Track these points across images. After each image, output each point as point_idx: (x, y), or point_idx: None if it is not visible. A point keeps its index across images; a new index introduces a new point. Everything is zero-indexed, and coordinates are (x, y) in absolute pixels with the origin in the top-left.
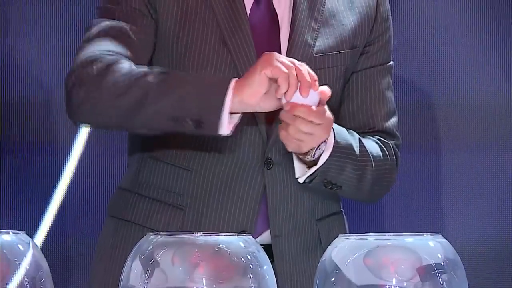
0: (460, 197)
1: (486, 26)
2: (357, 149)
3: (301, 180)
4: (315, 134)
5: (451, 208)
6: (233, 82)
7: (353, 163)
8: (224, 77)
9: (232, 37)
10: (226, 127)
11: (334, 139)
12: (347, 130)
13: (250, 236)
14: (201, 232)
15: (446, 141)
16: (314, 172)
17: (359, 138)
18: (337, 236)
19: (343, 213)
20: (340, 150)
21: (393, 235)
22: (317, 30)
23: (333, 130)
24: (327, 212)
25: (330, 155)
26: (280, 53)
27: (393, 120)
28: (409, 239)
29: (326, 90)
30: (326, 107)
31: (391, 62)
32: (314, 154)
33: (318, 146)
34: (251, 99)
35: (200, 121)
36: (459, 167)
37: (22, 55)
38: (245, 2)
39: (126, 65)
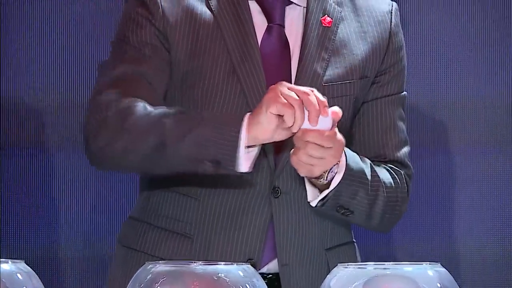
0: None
1: (491, 27)
2: (369, 175)
3: (313, 204)
4: (326, 158)
5: (460, 211)
6: (246, 119)
7: (365, 187)
8: (237, 115)
9: (242, 65)
10: (244, 165)
11: (346, 162)
12: (360, 157)
13: (249, 265)
14: (201, 261)
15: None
16: (326, 196)
17: (371, 164)
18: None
19: (355, 243)
20: (352, 173)
21: (392, 264)
22: (327, 59)
23: (345, 153)
24: (337, 242)
25: (342, 178)
26: (290, 82)
27: (405, 150)
28: (408, 268)
29: (337, 110)
30: (336, 130)
31: (404, 92)
32: (326, 177)
33: (331, 169)
34: (263, 135)
35: (218, 162)
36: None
37: (22, 55)
38: (257, 31)
39: (141, 109)
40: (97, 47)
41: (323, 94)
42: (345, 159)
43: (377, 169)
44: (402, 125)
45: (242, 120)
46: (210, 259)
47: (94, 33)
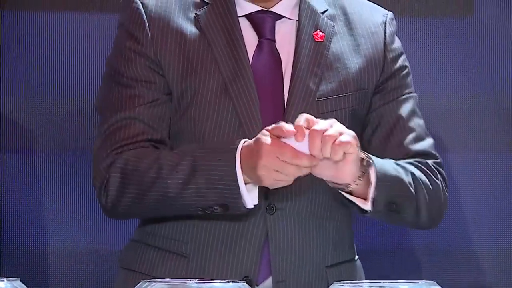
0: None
1: (488, 28)
2: (398, 166)
3: (367, 208)
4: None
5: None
6: (238, 158)
7: (401, 178)
8: (230, 148)
9: (234, 83)
10: (251, 199)
11: (371, 159)
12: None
13: (245, 283)
14: (196, 279)
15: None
16: (375, 194)
17: (393, 161)
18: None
19: (358, 260)
20: (383, 166)
21: (388, 282)
22: (320, 74)
23: (366, 155)
24: (339, 259)
25: (376, 172)
26: (283, 98)
27: (427, 142)
28: (403, 286)
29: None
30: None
31: (413, 93)
32: (359, 179)
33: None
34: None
35: (225, 205)
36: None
37: (21, 56)
38: (248, 47)
39: (138, 162)
40: (95, 53)
41: (317, 110)
42: (366, 156)
43: (401, 162)
44: (418, 120)
45: (235, 157)
46: (206, 278)
47: (92, 38)
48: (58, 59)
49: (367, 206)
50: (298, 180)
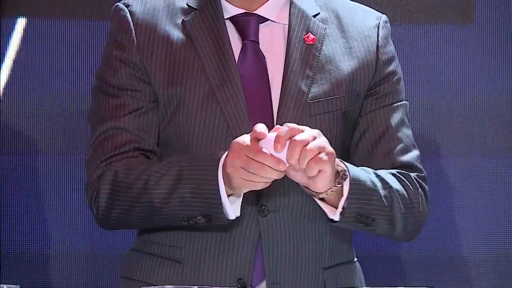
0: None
1: (487, 28)
2: (375, 178)
3: (336, 218)
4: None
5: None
6: (220, 169)
7: (377, 190)
8: (214, 159)
9: (221, 89)
10: (233, 211)
11: (348, 169)
12: (357, 166)
13: None
14: (196, 286)
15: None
16: (344, 206)
17: (372, 171)
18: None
19: (357, 262)
20: (358, 178)
21: None
22: (312, 76)
23: (343, 163)
24: (336, 261)
25: (350, 183)
26: (270, 100)
27: (413, 154)
28: None
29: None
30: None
31: (404, 101)
32: (331, 189)
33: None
34: (243, 189)
35: (208, 216)
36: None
37: (22, 61)
38: (234, 50)
39: (125, 175)
40: (94, 58)
41: (309, 112)
42: (345, 167)
43: (380, 173)
44: (406, 131)
45: (217, 169)
46: (200, 283)
47: (92, 43)
48: (57, 64)
49: (335, 216)
50: (289, 181)
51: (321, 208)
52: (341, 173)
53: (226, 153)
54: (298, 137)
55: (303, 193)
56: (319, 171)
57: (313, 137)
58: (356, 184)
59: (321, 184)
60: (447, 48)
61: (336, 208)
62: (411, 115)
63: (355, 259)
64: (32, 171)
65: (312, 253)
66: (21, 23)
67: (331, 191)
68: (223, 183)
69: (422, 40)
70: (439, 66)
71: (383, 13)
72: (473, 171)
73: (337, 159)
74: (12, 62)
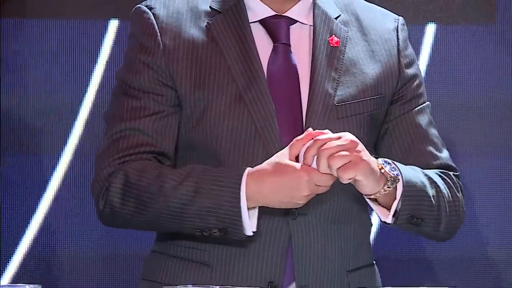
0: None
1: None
2: (424, 178)
3: (389, 221)
4: (351, 159)
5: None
6: (244, 181)
7: (427, 191)
8: (235, 173)
9: (248, 91)
10: (250, 227)
11: (400, 170)
12: (407, 166)
13: None
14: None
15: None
16: (397, 209)
17: (420, 170)
18: None
19: (375, 265)
20: (410, 179)
21: None
22: (338, 79)
23: (395, 163)
24: (359, 264)
25: (403, 185)
26: (300, 103)
27: (444, 154)
28: None
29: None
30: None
31: (427, 102)
32: (385, 188)
33: (387, 181)
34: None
35: (225, 230)
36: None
37: (23, 61)
38: (262, 52)
39: (140, 175)
40: (96, 58)
41: (336, 114)
42: (396, 167)
43: (428, 172)
44: (434, 131)
45: (240, 183)
46: (231, 285)
47: (94, 44)
48: (58, 64)
49: (389, 219)
50: None
51: (361, 211)
52: (392, 178)
53: (247, 169)
54: (327, 146)
55: (330, 197)
56: (354, 180)
57: (336, 137)
58: (409, 186)
59: (364, 189)
60: (469, 49)
61: (388, 209)
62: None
63: (374, 262)
64: (42, 170)
65: (338, 256)
66: (21, 24)
67: (380, 194)
68: (245, 199)
69: (444, 40)
70: (460, 67)
71: (404, 14)
72: (489, 171)
73: (382, 159)
74: (13, 61)
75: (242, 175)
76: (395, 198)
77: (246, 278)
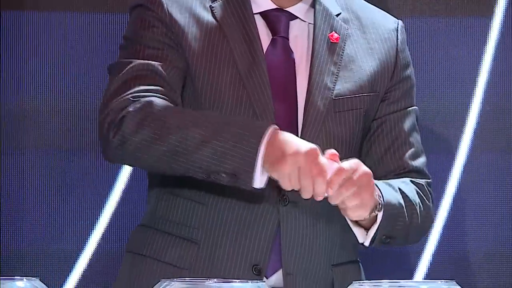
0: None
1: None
2: (403, 202)
3: (367, 244)
4: (359, 192)
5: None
6: (267, 137)
7: (403, 214)
8: (259, 128)
9: (249, 77)
10: (259, 181)
11: (383, 196)
12: (386, 182)
13: (264, 283)
14: (215, 279)
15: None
16: (375, 232)
17: (399, 188)
18: (351, 283)
19: (359, 262)
20: (391, 205)
21: (407, 281)
22: (337, 74)
23: (378, 187)
24: (344, 259)
25: (383, 212)
26: (296, 95)
27: (422, 159)
28: (423, 286)
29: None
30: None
31: (415, 106)
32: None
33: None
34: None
35: (234, 175)
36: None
37: (22, 56)
38: (262, 43)
39: (161, 107)
40: (97, 53)
41: (334, 108)
42: (380, 193)
43: (404, 189)
44: (416, 136)
45: (262, 134)
46: (215, 265)
47: (95, 37)
48: (59, 59)
49: (366, 242)
50: None
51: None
52: (379, 202)
53: (273, 125)
54: (343, 175)
55: None
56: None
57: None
58: (387, 210)
59: (354, 216)
60: (467, 41)
61: (365, 229)
62: (432, 109)
63: (358, 259)
64: (36, 168)
65: (325, 249)
66: (21, 17)
67: (365, 219)
68: (263, 152)
69: (442, 33)
70: (459, 60)
71: (403, 8)
72: (497, 167)
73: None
74: (12, 55)
75: (267, 128)
76: (375, 221)
77: (232, 259)
